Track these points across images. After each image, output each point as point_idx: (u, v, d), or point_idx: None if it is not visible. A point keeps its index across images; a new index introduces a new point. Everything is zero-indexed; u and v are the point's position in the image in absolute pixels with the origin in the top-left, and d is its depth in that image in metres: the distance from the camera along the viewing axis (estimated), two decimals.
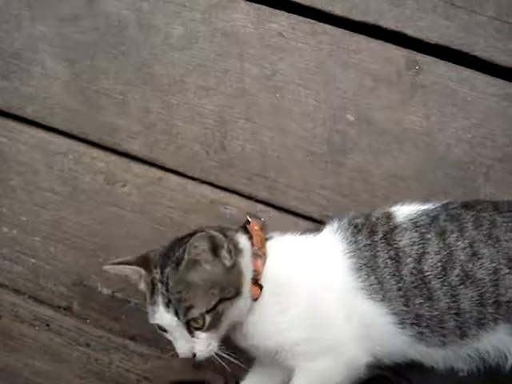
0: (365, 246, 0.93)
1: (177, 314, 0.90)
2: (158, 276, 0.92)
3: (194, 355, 0.92)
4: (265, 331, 0.94)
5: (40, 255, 1.20)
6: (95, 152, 1.20)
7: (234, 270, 0.92)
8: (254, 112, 1.14)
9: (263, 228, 1.00)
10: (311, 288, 0.94)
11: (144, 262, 0.97)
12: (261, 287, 0.94)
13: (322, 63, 1.14)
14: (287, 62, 1.14)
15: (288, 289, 0.95)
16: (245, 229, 0.99)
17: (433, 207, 0.96)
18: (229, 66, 1.16)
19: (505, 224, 0.90)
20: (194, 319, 0.90)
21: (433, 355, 0.93)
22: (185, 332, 0.90)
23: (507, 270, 0.88)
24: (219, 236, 0.91)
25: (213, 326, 0.91)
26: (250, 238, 0.97)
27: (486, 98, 1.09)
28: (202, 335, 0.91)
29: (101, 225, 1.19)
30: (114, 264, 0.99)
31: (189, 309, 0.89)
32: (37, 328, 1.18)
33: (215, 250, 0.91)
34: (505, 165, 1.07)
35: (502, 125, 1.08)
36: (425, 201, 0.97)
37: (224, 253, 0.91)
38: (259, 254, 0.96)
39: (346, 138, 1.12)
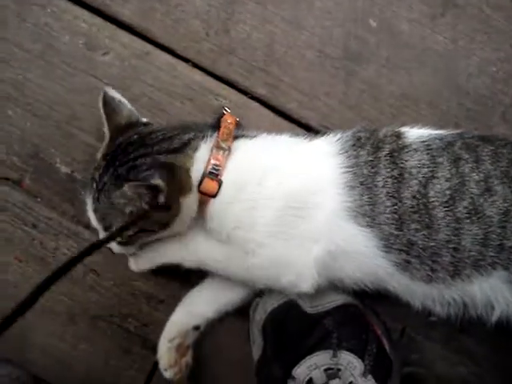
0: (365, 162, 0.83)
1: (99, 221, 0.86)
2: (96, 177, 0.83)
3: None
4: (217, 227, 0.85)
5: None
6: (79, 10, 1.02)
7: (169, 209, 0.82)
8: None
9: (238, 125, 0.89)
10: (287, 197, 0.83)
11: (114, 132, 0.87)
12: (220, 183, 0.82)
13: None
14: None
15: (257, 189, 0.83)
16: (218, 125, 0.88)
17: (447, 133, 0.86)
18: None
19: None
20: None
21: (414, 290, 0.84)
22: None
23: None
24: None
25: (133, 243, 0.87)
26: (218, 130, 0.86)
27: None
28: (121, 248, 0.88)
29: (71, 94, 1.01)
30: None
31: (107, 228, 0.85)
32: None
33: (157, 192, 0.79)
34: None
35: None
36: (435, 128, 0.86)
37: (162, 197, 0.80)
38: (223, 147, 0.84)
39: (364, 45, 1.00)
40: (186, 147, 0.85)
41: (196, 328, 0.93)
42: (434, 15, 0.99)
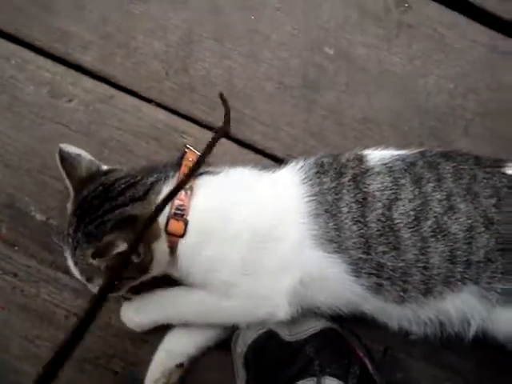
0: (329, 189, 0.83)
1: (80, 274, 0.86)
2: (71, 233, 0.84)
3: None
4: (189, 268, 0.85)
5: None
6: (42, 60, 1.04)
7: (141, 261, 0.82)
8: (225, 33, 1.01)
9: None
10: (252, 232, 0.83)
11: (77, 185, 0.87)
12: (186, 222, 0.82)
13: None
14: None
15: (221, 228, 0.83)
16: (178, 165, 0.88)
17: (409, 153, 0.86)
18: None
19: (485, 180, 0.82)
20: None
21: (389, 312, 0.84)
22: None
23: (483, 229, 0.80)
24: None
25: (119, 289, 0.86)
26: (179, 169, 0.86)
27: (475, 47, 1.00)
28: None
29: (40, 143, 1.02)
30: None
31: (89, 279, 0.85)
32: None
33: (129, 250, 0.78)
34: (485, 120, 0.98)
35: (487, 78, 0.99)
36: (398, 148, 0.86)
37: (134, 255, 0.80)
38: (185, 187, 0.83)
39: (322, 73, 1.00)
40: (148, 192, 0.84)
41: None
42: (389, 37, 1.00)
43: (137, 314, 0.92)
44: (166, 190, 0.85)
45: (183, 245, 0.84)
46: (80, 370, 0.98)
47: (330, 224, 0.81)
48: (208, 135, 1.00)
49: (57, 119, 1.03)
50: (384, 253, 0.80)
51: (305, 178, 0.85)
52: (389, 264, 0.80)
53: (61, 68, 1.04)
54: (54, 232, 0.98)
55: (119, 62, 1.03)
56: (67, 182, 0.89)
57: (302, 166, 0.87)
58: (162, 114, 1.02)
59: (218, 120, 1.01)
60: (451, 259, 0.80)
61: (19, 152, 1.03)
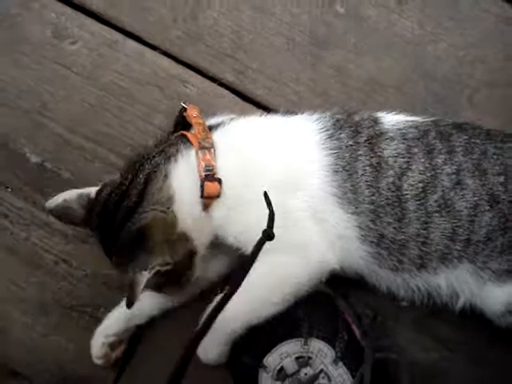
0: (346, 146, 0.80)
1: None
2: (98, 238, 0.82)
3: None
4: (226, 230, 0.81)
5: None
6: (47, 0, 1.02)
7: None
8: None
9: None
10: (276, 183, 0.79)
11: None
12: (219, 181, 0.79)
13: None
14: None
15: (249, 181, 0.79)
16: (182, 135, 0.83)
17: (421, 121, 0.84)
18: None
19: (495, 156, 0.80)
20: None
21: (380, 275, 0.83)
22: None
23: (487, 207, 0.78)
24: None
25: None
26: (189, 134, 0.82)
27: (487, 17, 0.98)
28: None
29: (41, 83, 1.00)
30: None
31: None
32: None
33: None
34: (491, 91, 0.96)
35: (496, 49, 0.97)
36: (403, 113, 0.85)
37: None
38: (206, 146, 0.80)
39: (332, 31, 0.99)
40: (146, 191, 0.79)
41: (138, 327, 0.92)
42: (401, 0, 0.98)
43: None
44: (174, 165, 0.81)
45: (218, 205, 0.80)
46: (67, 317, 0.97)
47: (348, 184, 0.79)
48: (212, 87, 1.00)
49: (59, 61, 1.01)
50: (388, 224, 0.79)
51: (323, 129, 0.82)
52: (390, 236, 0.79)
53: (67, 9, 1.02)
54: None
55: (127, 7, 1.01)
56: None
57: (318, 118, 0.84)
58: (167, 62, 1.00)
59: (222, 72, 1.00)
60: (452, 236, 0.79)
61: (18, 91, 1.01)
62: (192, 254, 0.81)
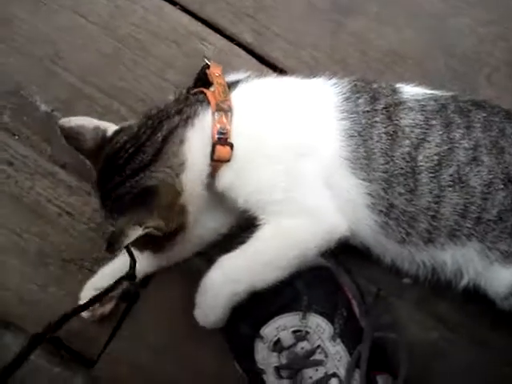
0: (363, 111, 0.79)
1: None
2: (98, 194, 0.81)
3: None
4: (235, 192, 0.80)
5: None
6: None
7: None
8: None
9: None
10: (290, 145, 0.79)
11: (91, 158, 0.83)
12: (231, 146, 0.78)
13: None
14: None
15: (263, 144, 0.79)
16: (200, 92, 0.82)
17: (440, 94, 0.83)
18: None
19: None
20: None
21: (386, 247, 0.82)
22: None
23: (501, 186, 0.77)
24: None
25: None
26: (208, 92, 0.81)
27: None
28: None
29: (56, 31, 0.98)
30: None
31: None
32: None
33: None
34: (510, 70, 0.95)
35: None
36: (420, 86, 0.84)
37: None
38: (224, 109, 0.79)
39: None
40: (162, 150, 0.78)
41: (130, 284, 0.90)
42: None
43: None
44: (191, 131, 0.80)
45: (226, 169, 0.80)
46: (64, 270, 0.96)
47: (361, 150, 0.78)
48: (229, 46, 0.98)
49: (76, 9, 0.99)
50: (400, 194, 0.78)
51: (340, 93, 0.82)
52: (400, 206, 0.78)
53: None
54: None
55: None
56: (80, 155, 0.85)
57: (336, 82, 0.83)
58: (186, 18, 0.98)
59: (241, 31, 0.99)
60: (463, 213, 0.78)
61: (33, 38, 0.99)
62: (182, 226, 0.80)
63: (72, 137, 0.83)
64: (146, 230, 0.75)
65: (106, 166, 0.80)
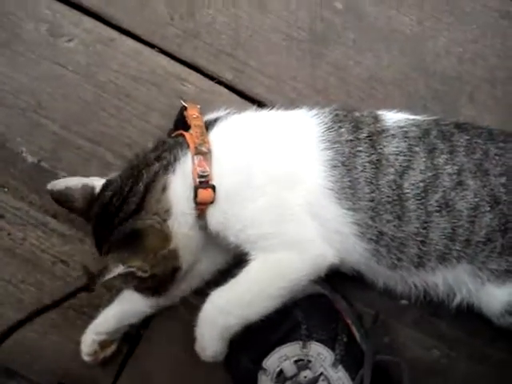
0: (346, 140, 0.79)
1: None
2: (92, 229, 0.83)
3: None
4: (225, 231, 0.80)
5: None
6: None
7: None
8: None
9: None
10: (273, 178, 0.79)
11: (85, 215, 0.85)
12: (213, 187, 0.78)
13: None
14: None
15: (245, 180, 0.79)
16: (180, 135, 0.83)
17: (423, 119, 0.83)
18: None
19: (497, 157, 0.79)
20: None
21: (377, 271, 0.82)
22: None
23: (488, 208, 0.77)
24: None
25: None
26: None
27: (486, 12, 0.97)
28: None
29: (37, 82, 0.98)
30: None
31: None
32: None
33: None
34: (491, 88, 0.95)
35: (496, 44, 0.96)
36: (403, 110, 0.84)
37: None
38: (203, 151, 0.79)
39: (330, 27, 0.97)
40: (145, 199, 0.79)
41: (131, 326, 0.92)
42: None
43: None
44: (172, 176, 0.81)
45: (213, 210, 0.80)
46: (63, 317, 0.95)
47: (346, 179, 0.78)
48: (210, 85, 0.98)
49: (55, 59, 0.99)
50: (388, 221, 0.78)
51: (322, 123, 0.82)
52: (389, 233, 0.78)
53: (62, 7, 0.99)
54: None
55: (123, 4, 0.98)
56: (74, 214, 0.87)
57: (317, 113, 0.83)
58: (164, 60, 0.98)
59: (221, 70, 0.98)
60: (451, 236, 0.78)
61: (14, 90, 0.99)
62: (176, 269, 0.81)
63: (62, 199, 0.85)
64: (129, 270, 0.76)
65: (98, 222, 0.82)
